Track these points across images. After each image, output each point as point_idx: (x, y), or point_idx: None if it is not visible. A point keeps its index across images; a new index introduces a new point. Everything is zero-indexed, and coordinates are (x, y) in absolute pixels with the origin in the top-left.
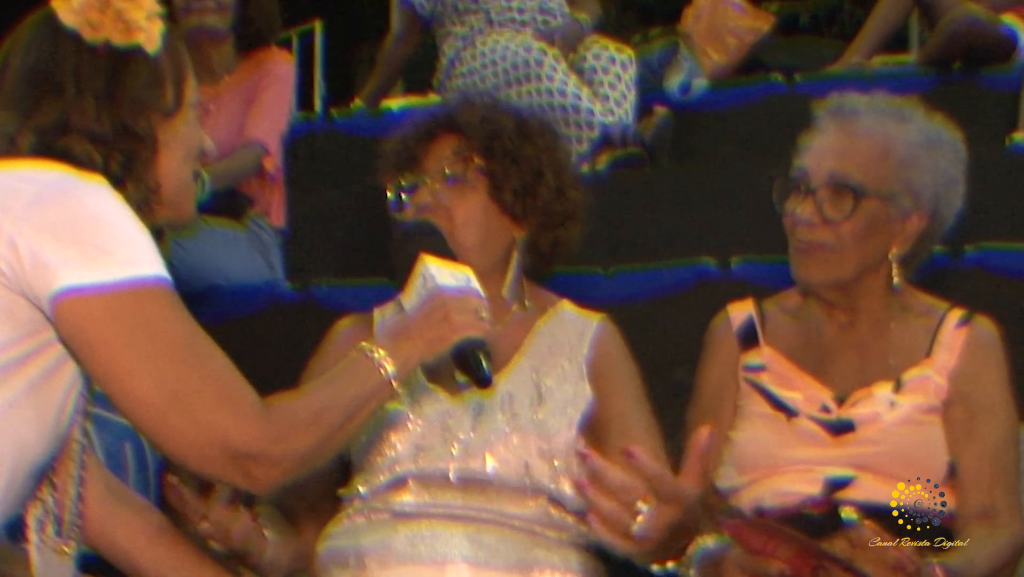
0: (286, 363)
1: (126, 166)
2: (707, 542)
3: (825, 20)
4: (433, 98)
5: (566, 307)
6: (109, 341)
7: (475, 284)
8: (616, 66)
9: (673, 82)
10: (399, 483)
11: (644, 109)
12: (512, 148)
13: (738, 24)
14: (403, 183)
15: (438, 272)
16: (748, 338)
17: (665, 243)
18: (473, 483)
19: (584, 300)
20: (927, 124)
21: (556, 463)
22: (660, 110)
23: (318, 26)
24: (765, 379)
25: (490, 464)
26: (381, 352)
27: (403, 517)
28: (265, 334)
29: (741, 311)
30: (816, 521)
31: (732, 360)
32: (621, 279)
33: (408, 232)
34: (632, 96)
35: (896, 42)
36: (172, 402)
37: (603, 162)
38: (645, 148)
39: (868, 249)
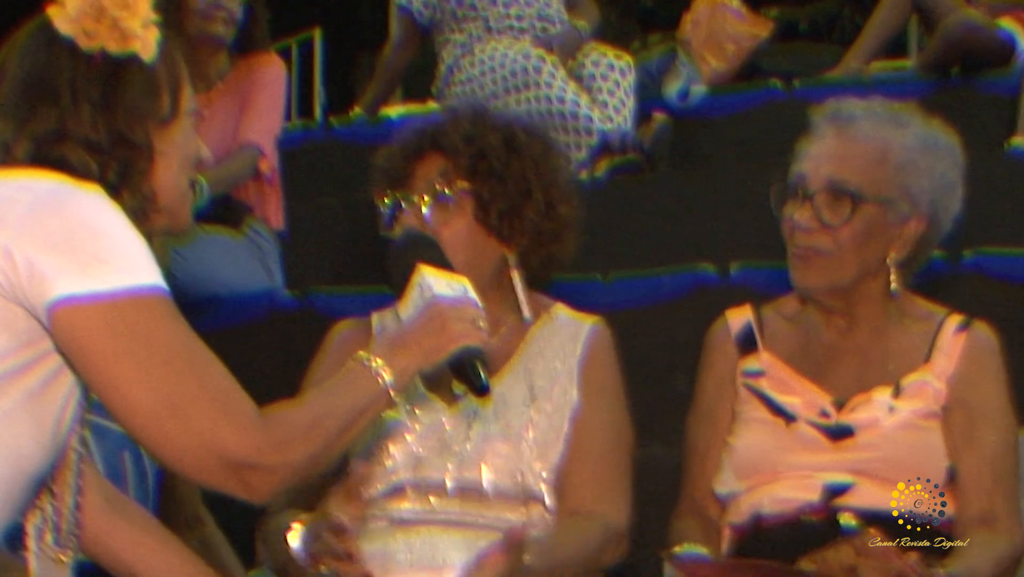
0: (285, 371)
1: (122, 174)
2: (696, 548)
3: (824, 26)
4: (432, 106)
5: (560, 310)
6: (106, 351)
7: (472, 294)
8: (615, 73)
9: (672, 88)
10: (397, 491)
11: (643, 115)
12: (498, 167)
13: (737, 30)
14: (392, 200)
15: (435, 282)
16: (747, 344)
17: (664, 249)
18: (470, 492)
19: (583, 306)
20: (925, 129)
21: (544, 474)
22: (659, 116)
23: (317, 34)
24: (764, 384)
25: (485, 474)
26: (379, 361)
27: (401, 524)
28: (264, 342)
29: (739, 317)
30: (815, 528)
31: (730, 366)
32: (620, 285)
33: (405, 242)
34: (631, 103)
35: (895, 47)
36: (169, 412)
37: (602, 169)
38: (644, 154)
39: (866, 254)
